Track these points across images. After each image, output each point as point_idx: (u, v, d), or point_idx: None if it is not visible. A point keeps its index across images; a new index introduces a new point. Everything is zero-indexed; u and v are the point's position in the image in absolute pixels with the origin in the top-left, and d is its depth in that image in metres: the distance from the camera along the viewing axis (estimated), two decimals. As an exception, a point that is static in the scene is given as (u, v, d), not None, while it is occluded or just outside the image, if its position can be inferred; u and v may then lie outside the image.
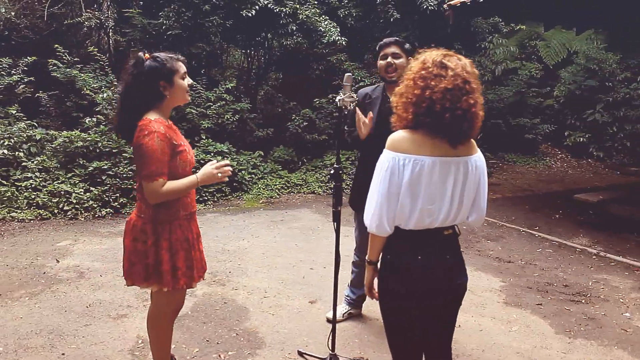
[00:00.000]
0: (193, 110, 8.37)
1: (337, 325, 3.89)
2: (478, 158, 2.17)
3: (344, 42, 8.72)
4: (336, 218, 3.01)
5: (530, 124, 12.00)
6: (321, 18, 8.93)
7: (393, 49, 3.44)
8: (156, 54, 2.62)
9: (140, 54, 2.62)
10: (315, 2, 9.04)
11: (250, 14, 8.35)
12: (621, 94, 11.64)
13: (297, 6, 8.79)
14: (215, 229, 6.46)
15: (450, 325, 2.36)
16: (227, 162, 2.67)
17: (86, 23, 8.94)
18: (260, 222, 6.86)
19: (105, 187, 7.16)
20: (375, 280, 2.32)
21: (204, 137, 8.39)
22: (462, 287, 2.28)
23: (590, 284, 4.94)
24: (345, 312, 3.99)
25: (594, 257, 5.72)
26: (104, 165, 7.29)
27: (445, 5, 7.43)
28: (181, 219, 2.68)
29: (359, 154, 3.98)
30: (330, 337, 3.18)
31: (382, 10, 9.20)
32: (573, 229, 6.78)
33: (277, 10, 8.50)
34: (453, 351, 3.03)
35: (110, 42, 9.70)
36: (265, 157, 9.25)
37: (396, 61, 3.42)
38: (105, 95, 7.86)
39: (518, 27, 11.68)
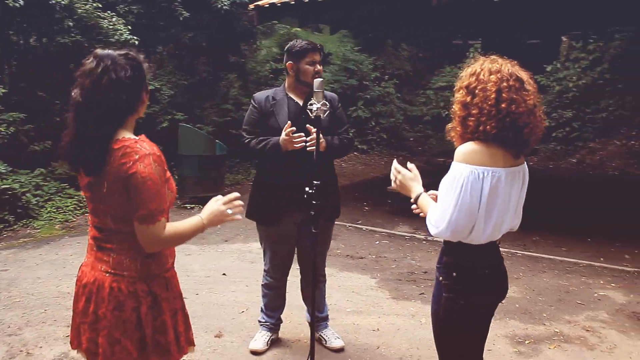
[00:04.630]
0: (-48, 124, 6.59)
1: (265, 355, 3.58)
2: (526, 164, 2.20)
3: (136, 42, 7.87)
4: (313, 241, 2.72)
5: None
6: (106, 14, 7.91)
7: (318, 57, 3.34)
8: (122, 52, 2.00)
9: (100, 50, 1.97)
10: (95, -4, 7.94)
11: (18, 5, 6.91)
12: (375, 91, 13.15)
13: (74, -1, 7.61)
14: (29, 270, 5.25)
15: None
16: (236, 194, 2.13)
17: None
18: (77, 253, 5.78)
19: None
20: None
21: (-31, 157, 6.71)
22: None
23: (440, 267, 5.45)
24: (268, 340, 3.67)
25: (424, 242, 6.34)
26: None
27: (251, 6, 7.31)
28: (171, 269, 2.10)
29: (260, 162, 3.60)
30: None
31: (169, 8, 8.57)
32: (389, 219, 7.37)
33: (53, 1, 7.22)
34: (394, 356, 3.47)
35: None
36: (46, 175, 7.82)
37: (320, 67, 3.34)
38: None
39: (293, 29, 12.14)
